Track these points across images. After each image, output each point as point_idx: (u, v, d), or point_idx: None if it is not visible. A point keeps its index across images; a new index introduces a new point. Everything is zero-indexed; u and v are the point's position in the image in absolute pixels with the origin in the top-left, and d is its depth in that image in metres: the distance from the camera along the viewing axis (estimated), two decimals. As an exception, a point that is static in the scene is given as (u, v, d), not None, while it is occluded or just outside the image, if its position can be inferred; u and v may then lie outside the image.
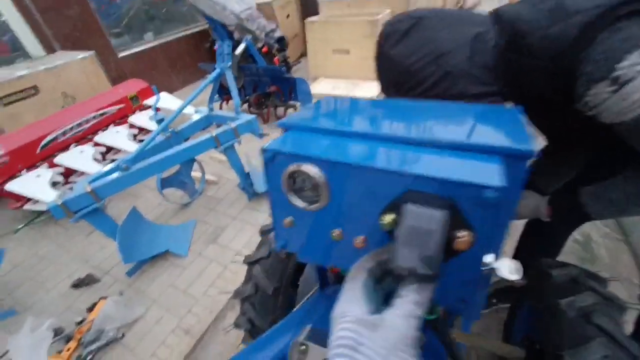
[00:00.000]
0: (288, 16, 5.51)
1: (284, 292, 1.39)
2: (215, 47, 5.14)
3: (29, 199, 2.74)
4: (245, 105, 4.01)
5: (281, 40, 4.97)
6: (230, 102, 4.21)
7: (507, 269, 0.47)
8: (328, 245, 0.55)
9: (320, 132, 0.57)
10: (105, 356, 1.77)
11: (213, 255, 2.28)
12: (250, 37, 3.68)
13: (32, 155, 2.85)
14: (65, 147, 3.08)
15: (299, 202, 0.53)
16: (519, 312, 1.34)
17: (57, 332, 1.84)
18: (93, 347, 1.77)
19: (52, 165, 2.92)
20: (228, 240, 2.39)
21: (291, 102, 3.82)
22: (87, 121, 3.23)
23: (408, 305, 0.37)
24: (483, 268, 0.46)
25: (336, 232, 0.52)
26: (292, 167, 0.51)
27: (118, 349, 1.80)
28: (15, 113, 3.08)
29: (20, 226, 2.77)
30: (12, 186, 2.61)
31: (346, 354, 0.34)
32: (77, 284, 2.16)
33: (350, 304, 0.39)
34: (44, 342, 1.34)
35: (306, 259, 0.62)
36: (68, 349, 1.77)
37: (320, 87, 4.57)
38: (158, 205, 2.82)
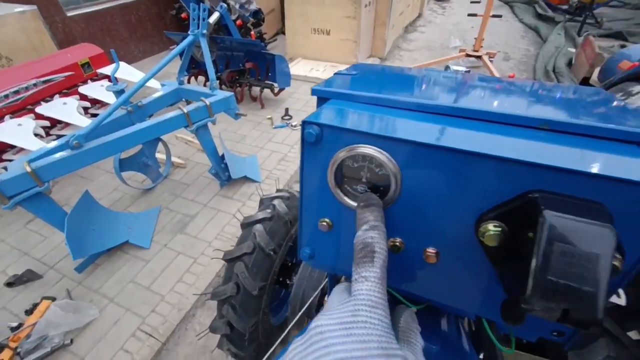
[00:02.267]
0: (265, -11, 5.12)
1: (269, 291, 1.23)
2: (184, 14, 4.68)
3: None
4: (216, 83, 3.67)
5: (257, 14, 4.62)
6: (200, 78, 3.84)
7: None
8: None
9: (378, 102, 0.40)
10: (50, 365, 1.51)
11: (180, 247, 2.05)
12: (225, 5, 3.32)
13: (-48, 126, 2.37)
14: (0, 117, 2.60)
15: (350, 202, 0.37)
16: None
17: (-13, 339, 1.54)
18: (33, 357, 1.50)
19: (-20, 138, 2.45)
20: (197, 231, 2.16)
21: (268, 82, 3.54)
22: (26, 88, 2.75)
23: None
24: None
25: (397, 241, 0.37)
26: (347, 151, 0.34)
27: (66, 358, 1.54)
28: None
29: (-62, 211, 2.31)
30: None
31: None
32: (13, 282, 1.83)
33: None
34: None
35: (343, 273, 0.46)
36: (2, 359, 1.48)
37: (297, 69, 4.33)
38: (115, 189, 2.49)
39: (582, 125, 0.34)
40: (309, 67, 4.38)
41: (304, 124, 0.36)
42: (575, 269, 0.24)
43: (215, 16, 3.11)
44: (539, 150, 0.31)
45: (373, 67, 0.58)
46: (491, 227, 0.30)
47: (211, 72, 2.09)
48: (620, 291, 0.94)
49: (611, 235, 0.25)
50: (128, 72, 3.16)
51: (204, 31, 2.06)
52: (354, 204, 0.38)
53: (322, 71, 4.27)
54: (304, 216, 0.43)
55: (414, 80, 0.53)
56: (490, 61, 4.50)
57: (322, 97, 0.44)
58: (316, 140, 0.36)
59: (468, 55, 4.71)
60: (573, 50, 4.82)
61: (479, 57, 4.64)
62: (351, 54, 4.33)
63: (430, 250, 0.36)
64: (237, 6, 4.34)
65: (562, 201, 0.27)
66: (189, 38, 2.05)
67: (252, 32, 4.18)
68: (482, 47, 4.75)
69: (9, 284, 1.84)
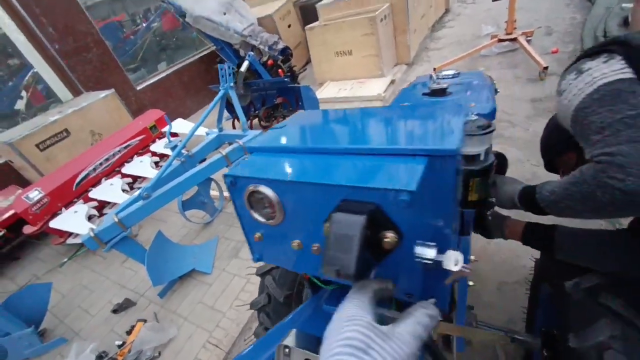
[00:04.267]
0: (289, 26, 5.61)
1: (296, 298, 1.42)
2: (224, 67, 5.38)
3: (70, 234, 2.99)
4: (257, 120, 4.13)
5: (285, 51, 5.06)
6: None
7: (452, 261, 0.48)
8: (292, 254, 0.58)
9: (278, 151, 0.60)
10: (145, 374, 1.90)
11: (236, 269, 2.37)
12: (253, 53, 3.79)
13: (69, 193, 3.12)
14: (97, 182, 3.33)
15: (260, 218, 0.57)
16: (539, 302, 1.28)
17: (102, 355, 2.00)
18: (134, 366, 1.90)
19: (87, 200, 3.17)
20: (248, 254, 2.46)
21: (300, 111, 3.87)
22: (113, 155, 3.48)
23: (417, 326, 0.39)
24: (420, 259, 0.48)
25: (295, 243, 0.55)
26: (250, 189, 0.55)
27: (156, 367, 1.91)
28: (51, 156, 3.39)
29: (64, 260, 3.03)
30: (54, 224, 2.87)
31: (354, 353, 0.33)
32: (117, 309, 2.33)
33: (360, 310, 0.39)
34: (87, 365, 1.47)
35: (286, 266, 0.65)
36: (113, 370, 1.91)
37: (326, 92, 4.60)
38: (182, 227, 2.97)
39: (375, 149, 0.49)
40: (337, 88, 4.62)
41: (225, 176, 0.57)
42: (341, 245, 0.40)
43: (245, 65, 3.58)
44: (341, 173, 0.47)
45: (301, 118, 0.77)
46: (325, 226, 0.47)
47: (241, 116, 2.46)
48: None
49: (359, 222, 0.40)
50: (185, 126, 3.77)
51: (231, 84, 2.45)
52: (263, 219, 0.57)
53: (350, 89, 4.47)
54: (245, 232, 0.63)
55: (319, 125, 0.70)
56: (528, 41, 4.22)
57: (251, 151, 0.64)
58: (232, 184, 0.57)
59: (501, 40, 4.49)
60: (629, 5, 4.25)
61: (513, 39, 4.39)
62: (376, 68, 4.47)
63: (315, 245, 0.53)
64: (266, 49, 4.85)
65: (351, 204, 0.43)
66: (221, 92, 2.45)
67: (281, 70, 4.61)
68: (515, 28, 4.49)
69: (114, 311, 2.34)
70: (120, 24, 5.49)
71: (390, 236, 0.42)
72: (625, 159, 0.64)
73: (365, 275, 0.43)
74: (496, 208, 1.30)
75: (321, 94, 4.57)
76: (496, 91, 1.39)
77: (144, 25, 5.55)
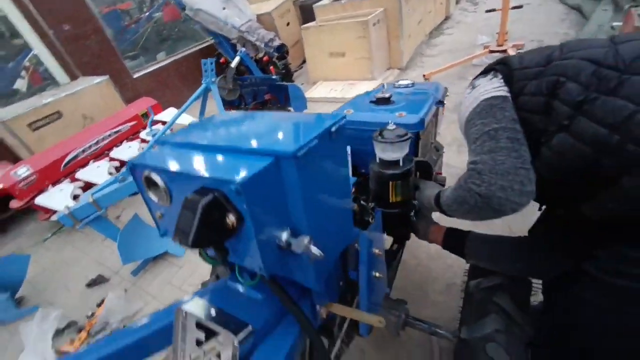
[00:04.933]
0: (288, 24, 5.70)
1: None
2: (222, 59, 5.48)
3: (55, 211, 3.12)
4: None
5: (280, 49, 5.15)
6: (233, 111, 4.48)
7: (299, 244, 0.59)
8: None
9: (177, 146, 0.72)
10: (110, 345, 2.02)
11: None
12: (245, 49, 3.89)
13: (56, 172, 3.24)
14: (85, 164, 3.45)
15: (154, 197, 0.68)
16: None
17: (71, 324, 2.13)
18: (99, 336, 2.03)
19: (74, 180, 3.29)
20: (221, 241, 2.59)
21: (288, 108, 3.98)
22: (103, 139, 3.59)
23: None
24: (277, 242, 0.59)
25: None
26: (145, 174, 0.66)
27: (120, 339, 2.04)
28: (42, 136, 3.51)
29: (48, 235, 3.16)
30: (40, 200, 3.00)
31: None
32: (90, 284, 2.46)
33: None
34: (50, 330, 1.59)
35: None
36: (79, 339, 2.04)
37: (317, 91, 4.71)
38: (163, 211, 3.10)
39: (239, 148, 0.61)
40: (329, 88, 4.73)
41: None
42: (186, 219, 0.52)
43: (236, 60, 3.68)
44: (204, 166, 0.58)
45: (213, 119, 0.89)
46: None
47: (222, 110, 2.57)
48: None
49: (200, 201, 0.51)
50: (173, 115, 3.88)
51: (212, 79, 2.56)
52: (157, 201, 0.68)
53: (340, 90, 4.58)
54: (150, 212, 0.74)
55: (218, 125, 0.82)
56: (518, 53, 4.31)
57: (159, 144, 0.76)
58: (132, 170, 0.69)
59: (492, 52, 4.58)
60: (620, 24, 4.33)
61: (503, 51, 4.48)
62: (367, 70, 4.57)
63: None
64: (262, 45, 4.95)
65: (204, 190, 0.54)
66: (202, 87, 2.56)
67: (272, 67, 4.71)
68: (506, 40, 4.58)
69: (88, 285, 2.47)
70: (125, 12, 5.60)
71: (231, 218, 0.54)
72: (482, 167, 0.74)
73: (204, 247, 0.55)
74: (433, 214, 1.41)
75: (312, 93, 4.68)
76: (442, 103, 1.49)
77: (146, 14, 5.66)
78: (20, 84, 4.61)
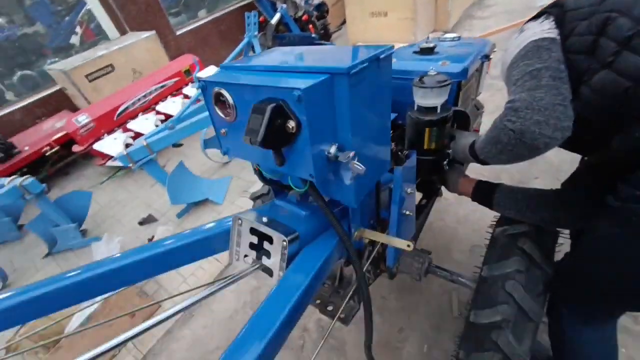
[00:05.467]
0: (329, -19, 5.47)
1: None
2: (262, 18, 5.45)
3: (110, 157, 3.44)
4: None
5: (320, 7, 5.03)
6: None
7: (345, 156, 0.67)
8: (245, 146, 0.77)
9: (238, 69, 0.80)
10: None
11: (242, 203, 2.69)
12: (285, 6, 3.84)
13: (111, 122, 3.53)
14: (135, 115, 3.72)
15: (222, 115, 0.77)
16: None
17: (128, 252, 2.44)
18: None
19: (125, 130, 3.58)
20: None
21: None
22: (150, 93, 3.82)
23: None
24: (326, 153, 0.67)
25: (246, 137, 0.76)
26: (215, 90, 0.75)
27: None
28: (98, 87, 3.79)
29: (104, 179, 3.52)
30: (97, 146, 3.32)
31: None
32: (142, 222, 2.76)
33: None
34: (114, 249, 1.86)
35: (241, 157, 0.86)
36: (135, 265, 2.34)
37: (356, 53, 4.57)
38: (203, 164, 3.31)
39: (298, 66, 0.67)
40: (367, 50, 4.58)
41: (196, 79, 0.78)
42: (255, 122, 0.60)
43: (276, 17, 3.66)
44: (266, 80, 0.65)
45: (272, 50, 0.95)
46: None
47: (262, 65, 2.62)
48: None
49: (267, 108, 0.59)
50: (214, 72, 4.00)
51: (255, 33, 2.59)
52: (224, 117, 0.77)
53: (379, 53, 4.42)
54: (215, 129, 0.84)
55: (278, 54, 0.88)
56: None
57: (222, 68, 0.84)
58: (203, 88, 0.77)
59: (552, 14, 4.16)
60: None
61: (565, 13, 4.04)
62: (409, 32, 4.36)
63: None
64: (302, 3, 4.84)
65: (268, 100, 0.62)
66: (244, 40, 2.61)
67: (311, 25, 4.61)
68: (570, 1, 4.12)
69: (140, 223, 2.78)
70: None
71: (291, 123, 0.62)
72: (519, 104, 0.76)
73: (272, 147, 0.63)
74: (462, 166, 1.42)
75: (350, 54, 4.57)
76: (487, 57, 1.45)
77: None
78: (75, 39, 4.91)
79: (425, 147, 1.14)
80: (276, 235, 0.77)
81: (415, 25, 4.27)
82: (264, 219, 0.84)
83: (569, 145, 0.86)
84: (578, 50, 0.77)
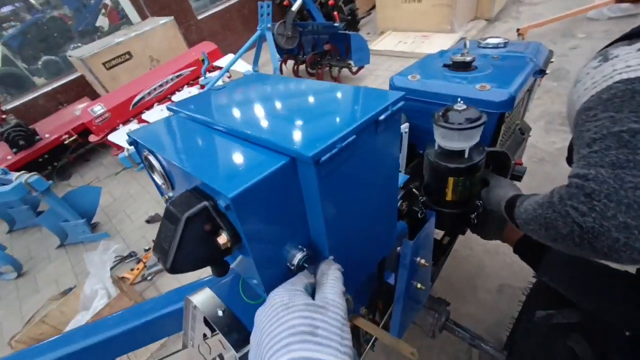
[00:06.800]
0: (360, -39, 5.01)
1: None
2: (286, 1, 5.13)
3: (125, 148, 3.40)
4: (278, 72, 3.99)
5: (348, -9, 4.63)
6: (289, 62, 4.25)
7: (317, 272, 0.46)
8: None
9: (187, 116, 0.59)
10: (161, 277, 2.24)
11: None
12: (308, -9, 3.52)
13: (126, 112, 3.47)
14: (150, 106, 3.63)
15: (158, 179, 0.58)
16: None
17: (132, 254, 2.39)
18: (153, 269, 2.25)
19: (140, 121, 3.51)
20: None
21: (349, 62, 3.63)
22: (166, 82, 3.70)
23: (337, 283, 0.43)
24: (287, 264, 0.49)
25: None
26: (144, 154, 0.56)
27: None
28: (115, 75, 3.73)
29: (119, 170, 3.50)
30: (112, 137, 3.27)
31: (305, 339, 0.34)
32: (149, 220, 2.70)
33: (294, 295, 0.40)
34: (109, 261, 1.78)
35: None
36: (137, 268, 2.28)
37: (384, 43, 4.21)
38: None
39: (252, 136, 0.46)
40: (397, 40, 4.19)
41: (128, 136, 0.58)
42: (166, 235, 0.40)
43: (297, 3, 3.36)
44: (201, 158, 0.44)
45: (241, 83, 0.73)
46: None
47: (274, 61, 2.40)
48: None
49: (180, 221, 0.39)
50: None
51: (268, 25, 2.35)
52: (160, 182, 0.58)
53: (411, 43, 4.03)
54: (160, 193, 0.65)
55: (241, 95, 0.66)
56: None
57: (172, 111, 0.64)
58: (134, 146, 0.58)
59: (620, 1, 3.54)
60: None
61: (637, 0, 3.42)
62: (445, 20, 3.91)
63: None
64: (329, -14, 4.46)
65: (195, 193, 0.41)
66: (257, 33, 2.38)
67: (336, 12, 4.25)
68: (645, -15, 3.48)
69: (147, 221, 2.72)
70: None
71: (223, 237, 0.41)
72: (596, 187, 0.50)
73: (187, 270, 0.43)
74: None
75: (377, 45, 4.20)
76: (543, 72, 1.13)
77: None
78: (102, 22, 4.88)
79: (448, 198, 0.89)
80: (228, 345, 0.58)
81: (453, 13, 3.81)
82: (219, 312, 0.64)
83: None
84: None
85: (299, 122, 0.49)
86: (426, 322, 1.24)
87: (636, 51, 0.56)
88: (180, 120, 0.62)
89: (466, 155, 0.81)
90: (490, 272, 1.81)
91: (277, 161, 0.40)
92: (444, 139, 0.80)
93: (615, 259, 0.50)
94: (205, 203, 0.40)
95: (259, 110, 0.58)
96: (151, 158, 0.53)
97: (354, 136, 0.43)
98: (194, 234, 0.40)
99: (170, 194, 0.63)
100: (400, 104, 0.50)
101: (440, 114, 0.78)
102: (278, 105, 0.58)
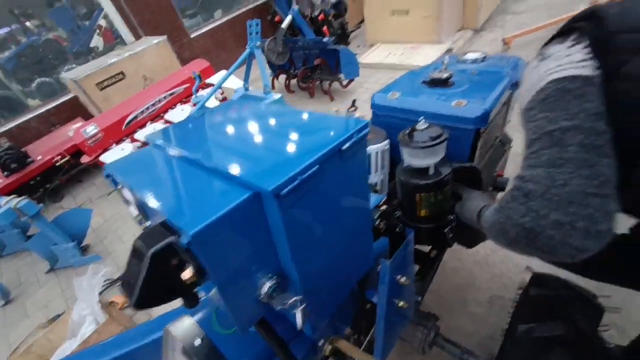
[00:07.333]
0: (348, -23, 5.14)
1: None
2: (277, 17, 5.23)
3: (117, 167, 3.40)
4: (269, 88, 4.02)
5: (338, 5, 4.73)
6: (281, 77, 4.30)
7: (284, 303, 0.45)
8: None
9: (161, 147, 0.59)
10: (152, 300, 2.20)
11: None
12: (298, 7, 3.59)
13: (119, 132, 3.48)
14: (143, 125, 3.65)
15: (133, 212, 0.58)
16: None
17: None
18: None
19: (133, 140, 3.52)
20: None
21: (339, 76, 3.68)
22: (159, 101, 3.72)
23: None
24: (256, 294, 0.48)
25: None
26: (119, 187, 0.55)
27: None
28: (108, 95, 3.76)
29: (111, 190, 3.48)
30: (104, 157, 3.28)
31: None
32: (141, 240, 2.67)
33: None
34: (97, 285, 1.76)
35: None
36: (128, 291, 2.25)
37: (373, 56, 4.27)
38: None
39: (217, 169, 0.46)
40: (387, 52, 4.26)
41: (105, 168, 0.58)
42: (132, 272, 0.40)
43: (287, 20, 3.43)
44: (169, 192, 0.44)
45: (220, 111, 0.74)
46: None
47: (264, 78, 2.42)
48: None
49: (146, 257, 0.38)
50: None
51: (257, 43, 2.39)
52: (135, 213, 0.58)
53: (400, 55, 4.09)
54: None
55: (214, 124, 0.66)
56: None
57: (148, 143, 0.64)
58: (107, 176, 0.58)
59: (601, 8, 3.62)
60: None
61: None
62: (433, 31, 3.98)
63: None
64: (318, 2, 4.56)
65: (161, 227, 0.41)
66: (246, 52, 2.41)
67: (325, 27, 4.33)
68: (625, -7, 3.56)
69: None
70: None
71: (187, 272, 0.40)
72: (532, 187, 0.50)
73: (155, 305, 0.42)
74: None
75: (367, 58, 4.27)
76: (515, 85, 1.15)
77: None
78: (97, 42, 4.95)
79: (419, 214, 0.90)
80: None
81: (440, 25, 3.89)
82: (197, 341, 0.63)
83: None
84: (635, 105, 0.49)
85: (264, 154, 0.49)
86: (415, 338, 1.22)
87: (567, 48, 0.56)
88: (156, 151, 0.62)
89: (431, 172, 0.83)
90: (480, 283, 1.79)
91: (240, 195, 0.40)
92: (410, 157, 0.81)
93: (557, 257, 0.49)
94: (172, 238, 0.40)
95: (229, 142, 0.58)
96: (125, 192, 0.53)
97: (317, 166, 0.43)
98: (159, 269, 0.39)
99: (148, 224, 0.63)
100: (366, 131, 0.51)
101: (407, 133, 0.80)
102: (248, 136, 0.59)
